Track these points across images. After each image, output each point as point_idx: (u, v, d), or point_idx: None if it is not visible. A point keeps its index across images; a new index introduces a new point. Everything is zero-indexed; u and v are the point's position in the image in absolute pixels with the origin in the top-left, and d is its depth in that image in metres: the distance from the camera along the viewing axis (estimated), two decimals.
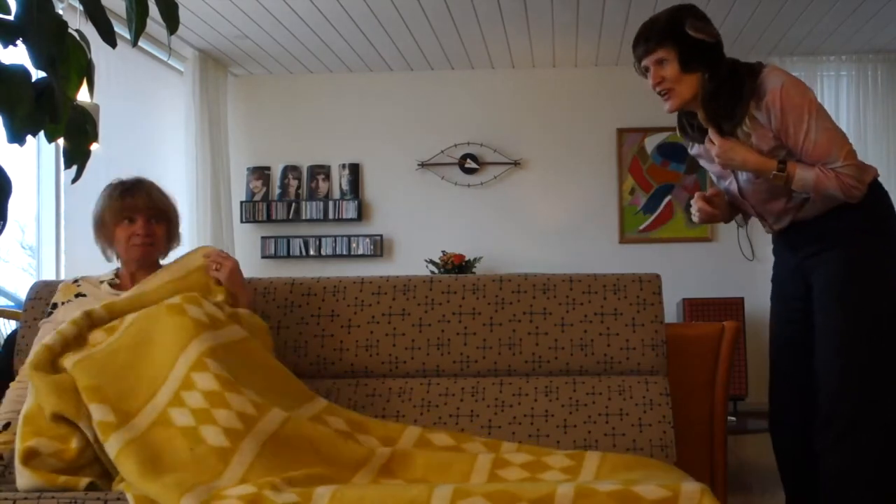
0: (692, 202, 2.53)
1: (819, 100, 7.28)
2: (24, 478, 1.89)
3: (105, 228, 2.36)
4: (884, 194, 2.41)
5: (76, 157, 1.39)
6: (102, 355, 2.01)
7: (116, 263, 2.44)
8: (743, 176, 2.44)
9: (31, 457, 1.89)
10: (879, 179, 2.40)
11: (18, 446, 1.91)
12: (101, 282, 2.38)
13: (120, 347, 2.03)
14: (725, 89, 2.31)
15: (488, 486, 1.65)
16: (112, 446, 1.84)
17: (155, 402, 1.93)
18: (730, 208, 2.58)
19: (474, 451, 2.04)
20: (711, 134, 2.37)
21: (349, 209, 6.71)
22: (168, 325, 2.05)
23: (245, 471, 1.82)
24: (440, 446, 2.07)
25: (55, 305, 2.34)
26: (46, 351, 2.02)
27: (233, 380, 1.96)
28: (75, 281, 2.38)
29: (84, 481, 1.87)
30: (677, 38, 2.31)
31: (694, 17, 2.34)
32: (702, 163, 2.57)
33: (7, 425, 2.12)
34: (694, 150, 2.57)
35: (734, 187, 2.50)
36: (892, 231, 2.38)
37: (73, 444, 1.91)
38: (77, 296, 2.33)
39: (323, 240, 6.71)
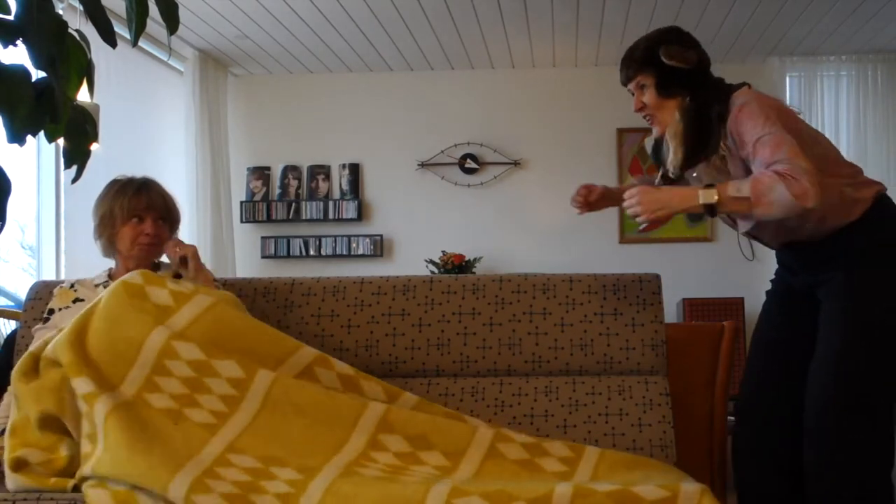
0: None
1: (819, 100, 7.19)
2: (13, 482, 1.89)
3: (111, 224, 2.35)
4: (890, 211, 2.27)
5: (76, 157, 1.39)
6: (75, 331, 1.97)
7: (111, 262, 2.45)
8: None
9: (20, 466, 1.89)
10: (879, 178, 2.33)
11: (7, 457, 1.90)
12: (97, 284, 2.37)
13: (90, 325, 1.99)
14: (705, 112, 2.24)
15: (485, 486, 1.65)
16: (100, 412, 1.81)
17: (126, 387, 1.90)
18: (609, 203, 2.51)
19: (475, 424, 2.04)
20: (628, 194, 2.22)
21: (349, 209, 6.71)
22: (131, 309, 2.00)
23: (234, 438, 1.82)
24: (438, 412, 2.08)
25: (52, 311, 2.33)
26: (30, 358, 2.01)
27: (207, 360, 1.94)
28: (72, 286, 2.38)
29: (70, 482, 1.87)
30: (655, 63, 2.27)
31: (672, 42, 2.29)
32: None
33: (4, 431, 2.12)
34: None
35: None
36: None
37: (62, 452, 1.90)
38: (75, 301, 2.33)
39: (323, 240, 6.71)
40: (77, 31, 1.37)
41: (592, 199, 2.46)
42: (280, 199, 6.78)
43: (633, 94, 2.37)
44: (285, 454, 1.80)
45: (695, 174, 2.37)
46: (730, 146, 2.23)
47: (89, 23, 1.34)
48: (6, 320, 4.04)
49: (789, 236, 2.33)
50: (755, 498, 2.40)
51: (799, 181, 2.01)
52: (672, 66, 2.25)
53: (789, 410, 2.33)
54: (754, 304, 5.95)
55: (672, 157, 2.31)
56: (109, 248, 2.39)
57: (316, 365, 2.07)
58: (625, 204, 2.22)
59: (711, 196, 2.11)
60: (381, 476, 1.77)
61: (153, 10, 1.40)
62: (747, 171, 2.20)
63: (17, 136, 1.20)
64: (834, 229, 2.23)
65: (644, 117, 2.37)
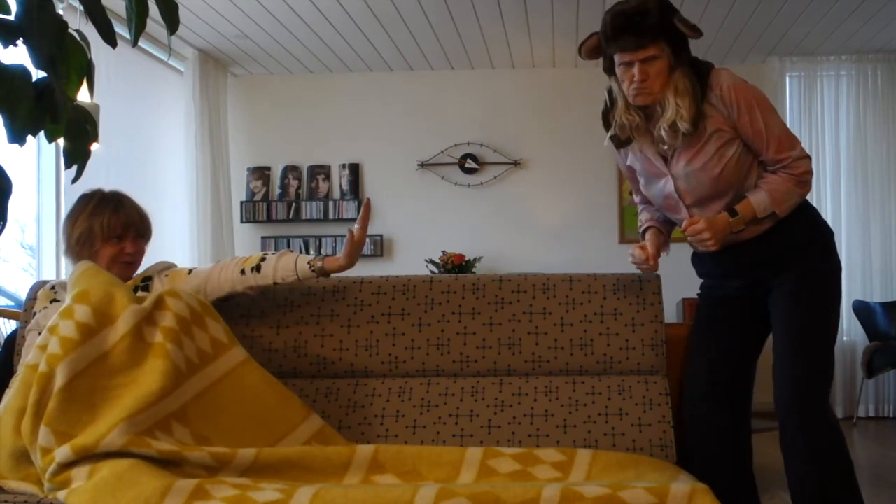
0: (634, 252, 2.37)
1: (819, 100, 7.29)
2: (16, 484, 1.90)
3: (90, 244, 2.28)
4: (810, 210, 2.40)
5: (76, 157, 1.38)
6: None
7: None
8: (682, 169, 2.32)
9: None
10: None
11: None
12: None
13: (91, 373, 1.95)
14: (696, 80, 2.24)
15: (473, 487, 1.64)
16: (76, 482, 1.76)
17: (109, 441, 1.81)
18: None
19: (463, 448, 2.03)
20: (693, 230, 2.27)
21: (349, 209, 6.71)
22: (149, 367, 1.97)
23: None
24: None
25: (35, 313, 2.33)
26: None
27: (192, 445, 1.89)
28: (52, 287, 2.37)
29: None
30: (670, 32, 2.18)
31: (677, 9, 2.24)
32: (638, 171, 2.45)
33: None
34: (629, 159, 2.46)
35: (670, 187, 2.36)
36: (833, 248, 2.39)
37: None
38: (52, 301, 2.31)
39: (323, 240, 6.71)
40: (77, 31, 1.37)
41: (653, 252, 2.42)
42: (280, 199, 6.79)
43: (612, 67, 2.26)
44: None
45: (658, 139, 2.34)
46: (718, 110, 2.25)
47: (89, 23, 1.34)
48: (6, 320, 4.04)
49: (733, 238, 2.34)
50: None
51: (809, 172, 2.30)
52: (683, 36, 2.21)
53: (728, 418, 2.40)
54: None
55: (683, 113, 2.21)
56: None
57: (316, 440, 2.08)
58: (694, 238, 2.28)
59: (739, 224, 2.28)
60: None
61: (153, 10, 1.40)
62: (727, 136, 2.26)
63: (17, 136, 1.20)
64: (772, 227, 2.33)
65: (636, 89, 2.23)
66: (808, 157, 2.31)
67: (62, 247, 2.37)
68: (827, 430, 2.27)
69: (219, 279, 2.31)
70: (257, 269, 2.29)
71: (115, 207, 2.30)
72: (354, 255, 2.26)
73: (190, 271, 2.36)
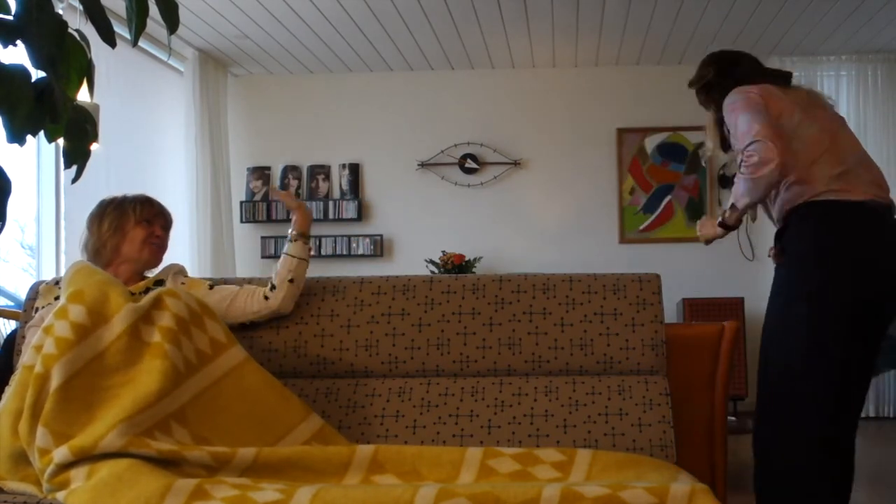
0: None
1: None
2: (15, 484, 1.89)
3: (122, 228, 2.35)
4: (828, 219, 2.48)
5: (76, 157, 1.38)
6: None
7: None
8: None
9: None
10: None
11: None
12: None
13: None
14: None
15: (473, 488, 1.64)
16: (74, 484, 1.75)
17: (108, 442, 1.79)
18: None
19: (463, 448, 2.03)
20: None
21: (349, 209, 6.71)
22: (146, 367, 1.95)
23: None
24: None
25: (37, 309, 2.34)
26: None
27: (191, 445, 1.88)
28: (57, 283, 2.38)
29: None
30: (699, 96, 2.78)
31: (697, 70, 2.76)
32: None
33: None
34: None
35: None
36: (826, 263, 2.44)
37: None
38: (56, 298, 2.31)
39: (323, 240, 6.71)
40: (77, 31, 1.37)
41: None
42: None
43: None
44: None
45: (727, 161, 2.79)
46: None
47: (89, 23, 1.34)
48: (6, 320, 4.04)
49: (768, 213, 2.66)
50: None
51: (750, 160, 2.37)
52: (700, 88, 2.75)
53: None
54: (754, 304, 5.96)
55: (707, 140, 2.77)
56: (112, 254, 2.35)
57: (316, 440, 2.08)
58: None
59: (735, 211, 2.56)
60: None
61: (153, 10, 1.40)
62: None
63: (17, 136, 1.20)
64: (784, 222, 2.54)
65: None
66: (758, 142, 2.36)
67: (81, 247, 2.40)
68: None
69: (244, 306, 2.34)
70: (272, 287, 2.35)
71: (146, 199, 2.44)
72: (294, 204, 2.38)
73: (211, 287, 2.37)
